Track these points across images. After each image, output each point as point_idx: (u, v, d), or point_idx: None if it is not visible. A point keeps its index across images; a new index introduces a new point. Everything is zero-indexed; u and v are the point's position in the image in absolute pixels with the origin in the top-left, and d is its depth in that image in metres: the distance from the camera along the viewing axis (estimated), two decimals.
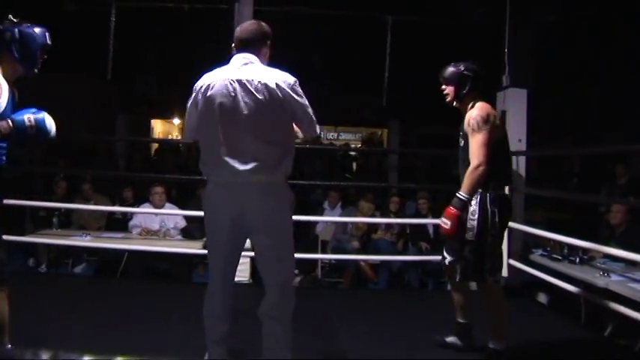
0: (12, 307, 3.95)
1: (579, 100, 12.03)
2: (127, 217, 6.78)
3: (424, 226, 6.65)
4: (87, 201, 6.87)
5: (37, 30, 2.97)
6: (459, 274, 3.45)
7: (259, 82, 2.77)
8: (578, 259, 4.91)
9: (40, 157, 10.38)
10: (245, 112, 2.75)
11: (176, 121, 15.25)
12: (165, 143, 13.53)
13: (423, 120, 12.91)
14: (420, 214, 6.75)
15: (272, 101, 2.76)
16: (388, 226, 6.65)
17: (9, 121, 2.74)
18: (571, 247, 4.94)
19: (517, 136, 5.48)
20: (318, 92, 7.39)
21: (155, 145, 13.51)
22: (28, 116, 2.80)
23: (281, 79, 2.81)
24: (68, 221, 6.85)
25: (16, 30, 2.90)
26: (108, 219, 7.05)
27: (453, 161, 9.66)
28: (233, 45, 2.96)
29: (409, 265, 6.40)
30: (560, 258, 5.05)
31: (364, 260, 6.32)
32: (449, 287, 4.02)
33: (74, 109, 11.61)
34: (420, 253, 6.45)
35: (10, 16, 2.92)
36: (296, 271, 6.47)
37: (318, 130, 2.99)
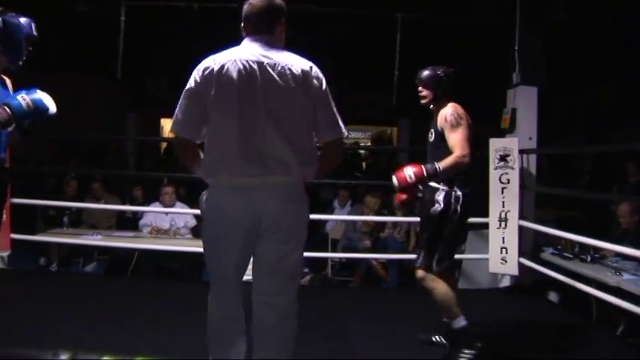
0: (24, 306, 3.98)
1: (591, 98, 11.96)
2: (137, 216, 6.81)
3: None
4: (97, 200, 6.91)
5: (22, 20, 2.85)
6: (419, 264, 3.55)
7: (283, 66, 2.41)
8: (589, 258, 4.89)
9: (52, 157, 10.45)
10: (268, 100, 2.37)
11: None
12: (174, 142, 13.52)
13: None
14: None
15: (297, 89, 2.41)
16: (395, 223, 6.65)
17: (4, 107, 2.62)
18: (582, 245, 4.92)
19: (527, 134, 5.47)
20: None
21: (165, 144, 13.54)
22: (22, 95, 2.69)
23: (308, 65, 2.47)
24: (79, 220, 6.88)
25: (0, 19, 2.78)
26: (118, 218, 7.09)
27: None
28: (242, 26, 2.57)
29: None
30: (571, 256, 5.03)
31: (375, 259, 6.32)
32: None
33: (85, 110, 11.69)
34: None
35: None
36: (306, 270, 6.51)
37: (344, 132, 2.59)
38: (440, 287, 3.48)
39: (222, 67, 2.40)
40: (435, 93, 3.61)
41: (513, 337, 4.06)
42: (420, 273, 3.54)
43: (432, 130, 3.62)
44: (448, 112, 3.48)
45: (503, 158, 5.21)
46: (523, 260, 5.23)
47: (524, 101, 5.55)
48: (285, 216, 2.45)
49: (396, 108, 10.43)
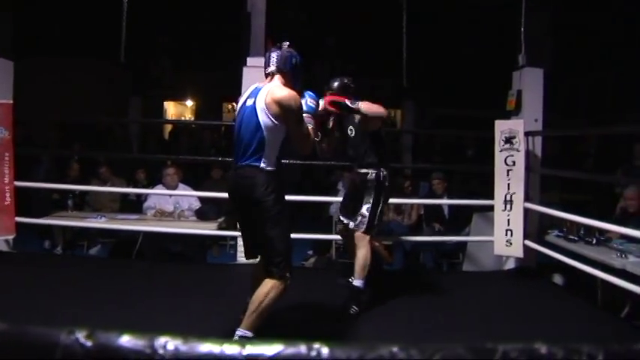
0: (30, 289, 3.99)
1: (596, 79, 11.90)
2: (141, 199, 6.81)
3: (438, 206, 6.62)
4: (104, 183, 6.90)
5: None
6: (355, 226, 4.17)
7: None
8: (594, 240, 4.86)
9: (56, 141, 10.45)
10: None
11: (189, 103, 15.23)
12: (179, 124, 13.57)
13: (436, 101, 12.83)
14: (434, 194, 6.71)
15: None
16: (399, 209, 6.63)
17: None
18: (587, 227, 4.91)
19: (533, 116, 5.44)
20: (330, 73, 7.33)
21: (169, 128, 13.55)
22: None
23: None
24: (82, 203, 6.88)
25: (297, 57, 3.25)
26: (122, 201, 7.09)
27: (467, 142, 9.66)
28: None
29: (423, 247, 6.39)
30: (576, 239, 5.01)
31: (378, 241, 6.30)
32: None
33: (88, 94, 11.69)
34: (434, 233, 6.42)
35: None
36: (310, 252, 6.52)
37: None
38: (368, 250, 4.13)
39: None
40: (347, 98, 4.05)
41: (518, 319, 4.05)
42: (359, 235, 4.14)
43: (351, 127, 4.33)
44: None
45: (508, 140, 5.19)
46: (528, 242, 5.22)
47: (529, 83, 5.51)
48: None
49: (400, 90, 10.40)
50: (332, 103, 3.97)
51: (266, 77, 3.33)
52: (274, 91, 3.13)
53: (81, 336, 0.64)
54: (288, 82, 3.27)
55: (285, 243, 3.19)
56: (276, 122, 3.10)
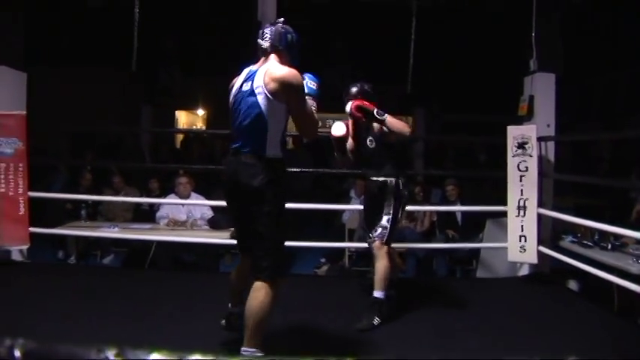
0: (45, 299, 4.00)
1: (608, 83, 11.83)
2: (153, 209, 6.83)
3: (452, 212, 6.59)
4: (117, 193, 6.94)
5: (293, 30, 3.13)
6: (376, 236, 4.08)
7: None
8: (609, 246, 4.83)
9: (67, 150, 10.52)
10: None
11: (200, 112, 15.28)
12: (190, 133, 13.61)
13: (447, 107, 12.80)
14: (447, 200, 6.68)
15: None
16: (412, 216, 6.62)
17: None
18: (602, 233, 4.87)
19: (545, 121, 5.42)
20: (340, 80, 7.33)
21: (180, 137, 13.59)
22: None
23: None
24: (95, 213, 6.92)
25: (293, 34, 3.11)
26: (135, 211, 7.12)
27: (479, 148, 9.61)
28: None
29: (437, 253, 6.36)
30: (591, 244, 4.97)
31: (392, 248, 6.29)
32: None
33: (99, 103, 11.76)
34: (448, 240, 6.39)
35: None
36: (323, 260, 6.51)
37: None
38: (388, 260, 4.04)
39: None
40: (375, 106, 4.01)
41: (534, 326, 4.01)
42: (378, 245, 4.06)
43: (371, 137, 4.23)
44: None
45: (521, 146, 5.16)
46: (542, 248, 5.19)
47: (541, 88, 5.49)
48: None
49: (410, 97, 10.37)
50: (359, 108, 3.91)
51: (260, 58, 3.11)
52: (272, 70, 2.94)
53: (110, 354, 0.63)
54: (285, 61, 3.05)
55: (277, 241, 3.00)
56: (277, 102, 2.92)
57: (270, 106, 2.91)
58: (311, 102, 3.11)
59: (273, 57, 3.06)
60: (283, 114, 2.99)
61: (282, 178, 3.03)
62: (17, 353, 0.64)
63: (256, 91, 2.93)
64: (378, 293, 3.99)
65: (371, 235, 4.13)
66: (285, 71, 2.93)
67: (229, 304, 3.42)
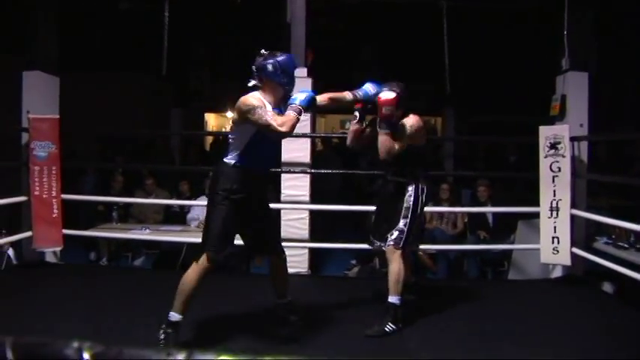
0: (77, 300, 4.05)
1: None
2: (184, 211, 6.88)
3: (483, 214, 6.52)
4: (149, 195, 7.00)
5: (287, 56, 3.45)
6: (391, 240, 3.99)
7: None
8: None
9: (98, 152, 10.66)
10: None
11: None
12: (219, 135, 13.70)
13: (477, 108, 12.67)
14: (478, 201, 6.61)
15: None
16: (442, 215, 6.57)
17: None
18: (638, 234, 4.77)
19: (578, 121, 5.33)
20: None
21: (210, 139, 13.69)
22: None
23: None
24: (126, 215, 6.99)
25: (274, 62, 3.40)
26: (166, 213, 7.18)
27: (510, 148, 9.50)
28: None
29: (468, 255, 6.30)
30: (626, 246, 4.89)
31: (422, 250, 6.25)
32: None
33: (130, 106, 11.91)
34: (479, 242, 6.33)
35: None
36: (353, 261, 6.49)
37: None
38: (401, 264, 3.95)
39: None
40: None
41: (569, 329, 3.95)
42: (390, 249, 3.99)
43: None
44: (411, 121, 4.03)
45: (553, 146, 5.09)
46: (575, 250, 5.10)
47: (574, 87, 5.40)
48: None
49: (440, 98, 10.29)
50: (388, 105, 3.83)
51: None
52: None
53: (180, 356, 0.63)
54: (274, 87, 3.46)
55: (216, 225, 3.50)
56: (238, 123, 3.46)
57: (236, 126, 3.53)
58: (294, 109, 3.36)
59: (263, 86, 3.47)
60: (246, 131, 3.41)
61: (242, 181, 3.43)
62: (86, 355, 0.64)
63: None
64: (393, 298, 3.91)
65: (387, 236, 4.03)
66: (239, 101, 3.37)
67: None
